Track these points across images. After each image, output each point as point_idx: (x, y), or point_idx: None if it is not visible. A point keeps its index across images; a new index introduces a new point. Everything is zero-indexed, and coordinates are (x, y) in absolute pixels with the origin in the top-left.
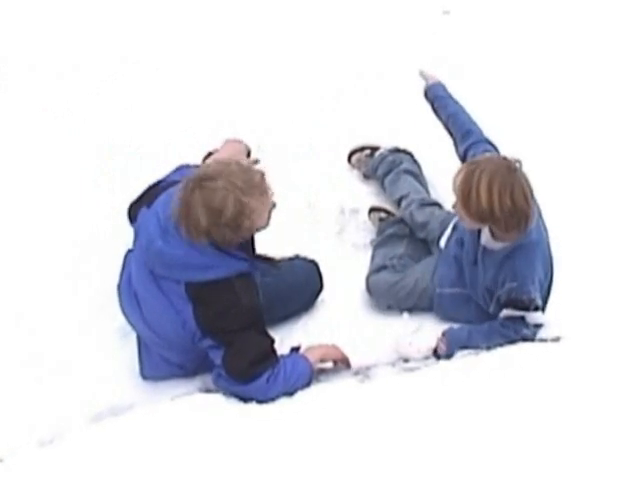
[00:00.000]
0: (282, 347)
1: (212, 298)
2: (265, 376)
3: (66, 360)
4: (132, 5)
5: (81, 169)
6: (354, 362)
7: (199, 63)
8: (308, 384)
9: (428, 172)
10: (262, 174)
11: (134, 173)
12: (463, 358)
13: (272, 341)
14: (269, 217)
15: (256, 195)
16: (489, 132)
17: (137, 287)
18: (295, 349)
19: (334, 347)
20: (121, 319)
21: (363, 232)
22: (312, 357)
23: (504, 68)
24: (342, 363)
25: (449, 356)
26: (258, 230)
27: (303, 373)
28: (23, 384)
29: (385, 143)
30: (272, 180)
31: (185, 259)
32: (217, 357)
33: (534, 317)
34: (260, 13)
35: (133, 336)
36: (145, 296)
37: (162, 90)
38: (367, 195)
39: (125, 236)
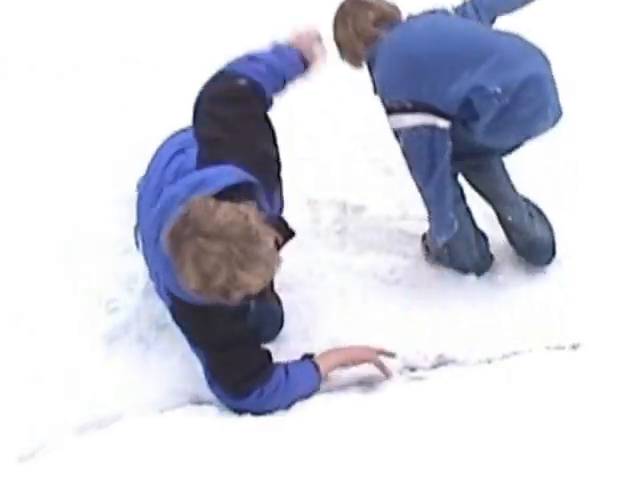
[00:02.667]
0: (278, 354)
1: (189, 317)
2: (263, 389)
3: (50, 368)
4: (132, 5)
5: (81, 169)
6: (356, 370)
7: (199, 63)
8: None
9: None
10: (273, 247)
11: (135, 173)
12: (474, 366)
13: (268, 352)
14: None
15: (253, 270)
16: None
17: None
18: (308, 356)
19: (361, 349)
20: (112, 323)
21: (366, 231)
22: (325, 365)
23: None
24: (380, 369)
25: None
26: None
27: (307, 386)
28: (7, 393)
29: (386, 140)
30: None
31: (166, 267)
32: (204, 364)
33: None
34: (260, 12)
35: (123, 343)
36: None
37: (162, 90)
38: (371, 192)
39: (126, 236)
